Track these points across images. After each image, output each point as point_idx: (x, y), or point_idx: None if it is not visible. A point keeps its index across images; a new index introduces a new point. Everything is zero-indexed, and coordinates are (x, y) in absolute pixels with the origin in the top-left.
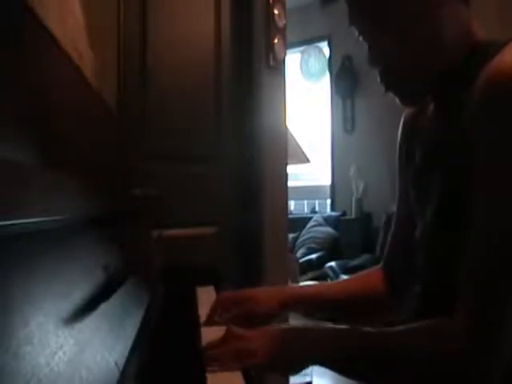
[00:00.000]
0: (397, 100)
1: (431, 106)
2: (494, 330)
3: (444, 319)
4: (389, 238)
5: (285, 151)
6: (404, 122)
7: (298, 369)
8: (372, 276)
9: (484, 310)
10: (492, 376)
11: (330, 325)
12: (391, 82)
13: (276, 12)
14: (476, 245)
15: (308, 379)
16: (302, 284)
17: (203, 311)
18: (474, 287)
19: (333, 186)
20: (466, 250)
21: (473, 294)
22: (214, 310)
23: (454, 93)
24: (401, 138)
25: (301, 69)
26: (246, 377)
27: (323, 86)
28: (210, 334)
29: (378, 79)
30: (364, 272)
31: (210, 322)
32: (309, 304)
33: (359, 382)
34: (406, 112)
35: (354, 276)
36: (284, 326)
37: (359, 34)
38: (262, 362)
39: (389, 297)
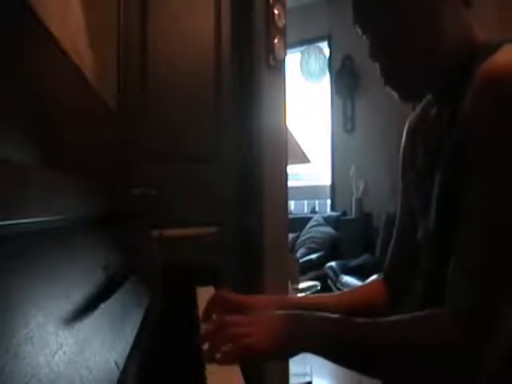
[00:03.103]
0: (395, 95)
1: (434, 110)
2: (487, 319)
3: (438, 310)
4: (390, 247)
5: (285, 151)
6: (409, 125)
7: (293, 354)
8: (372, 289)
9: (476, 300)
10: (484, 366)
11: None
12: (391, 76)
13: (276, 12)
14: (468, 238)
15: (308, 379)
16: (301, 284)
17: (202, 311)
18: (465, 279)
19: (333, 186)
20: (459, 244)
21: (464, 285)
22: (209, 308)
23: (454, 95)
24: (404, 142)
25: (301, 69)
26: (246, 376)
27: (323, 86)
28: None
29: (378, 71)
30: (364, 284)
31: (205, 318)
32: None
33: (355, 371)
34: (411, 115)
35: (353, 289)
36: (281, 312)
37: (362, 33)
38: (258, 342)
39: (391, 308)
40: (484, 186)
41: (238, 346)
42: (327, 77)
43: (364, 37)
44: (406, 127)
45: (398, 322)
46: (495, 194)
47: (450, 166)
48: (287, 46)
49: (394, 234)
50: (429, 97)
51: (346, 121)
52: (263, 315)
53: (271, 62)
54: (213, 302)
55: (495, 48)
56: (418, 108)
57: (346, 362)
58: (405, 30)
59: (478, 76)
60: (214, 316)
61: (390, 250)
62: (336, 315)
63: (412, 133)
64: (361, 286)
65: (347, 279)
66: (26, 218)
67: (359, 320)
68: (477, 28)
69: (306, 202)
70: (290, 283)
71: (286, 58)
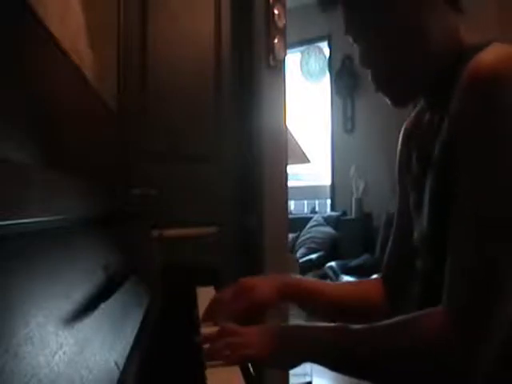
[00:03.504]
0: (387, 100)
1: (427, 116)
2: (481, 318)
3: (432, 310)
4: (388, 247)
5: (285, 151)
6: (404, 131)
7: (293, 365)
8: (372, 284)
9: (469, 299)
10: (479, 365)
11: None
12: (380, 82)
13: (276, 12)
14: (458, 238)
15: (308, 379)
16: None
17: (203, 311)
18: (457, 278)
19: (333, 186)
20: (450, 243)
21: (457, 284)
22: (210, 308)
23: (444, 98)
24: (400, 146)
25: (301, 69)
26: (246, 376)
27: (323, 86)
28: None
29: (369, 77)
30: (364, 280)
31: (207, 318)
32: (304, 296)
33: (353, 377)
34: (407, 121)
35: (355, 281)
36: (280, 324)
37: (354, 41)
38: (257, 354)
39: (388, 307)
40: (472, 184)
41: (236, 356)
42: (327, 77)
43: (355, 45)
44: (401, 132)
45: (392, 325)
46: (483, 191)
47: (439, 167)
48: (287, 45)
49: (392, 235)
50: (422, 102)
51: (346, 121)
52: (262, 326)
53: (271, 62)
54: (214, 304)
55: (482, 48)
56: (413, 114)
57: (345, 369)
58: (390, 40)
59: (465, 74)
60: (217, 318)
61: (387, 251)
62: (333, 324)
63: (407, 138)
64: (360, 281)
65: (347, 279)
66: (25, 218)
67: (355, 326)
68: (464, 31)
69: (305, 202)
70: None
71: (286, 57)
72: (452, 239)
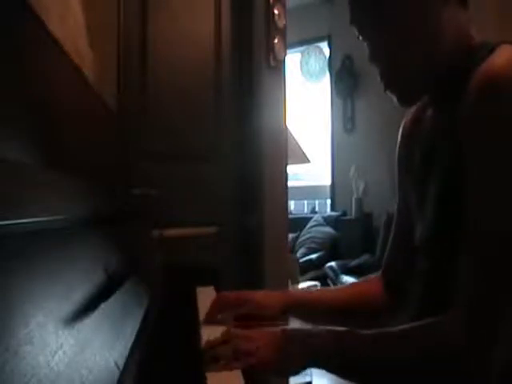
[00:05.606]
0: (394, 99)
1: (429, 112)
2: (493, 324)
3: (441, 317)
4: (388, 244)
5: (285, 151)
6: (403, 128)
7: (297, 370)
8: (371, 284)
9: (482, 304)
10: (491, 369)
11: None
12: (391, 80)
13: (276, 12)
14: (473, 244)
15: (308, 379)
16: (301, 285)
17: (203, 311)
18: (473, 283)
19: (333, 186)
20: (465, 249)
21: (472, 289)
22: (213, 308)
23: (451, 95)
24: (400, 143)
25: (301, 69)
26: (246, 377)
27: (323, 86)
28: (209, 334)
29: (379, 78)
30: (363, 279)
31: (210, 319)
32: (307, 308)
33: (359, 383)
34: (406, 118)
35: (353, 283)
36: (284, 328)
37: (359, 33)
38: (261, 361)
39: (387, 305)
40: (481, 188)
41: (238, 364)
42: (327, 77)
43: (360, 38)
44: (400, 130)
45: (404, 331)
46: (492, 196)
47: (447, 168)
48: (287, 45)
49: (392, 233)
50: (425, 99)
51: (346, 121)
52: (267, 331)
53: (271, 62)
54: (217, 303)
55: (491, 49)
56: (412, 110)
57: (352, 375)
58: (401, 38)
59: (478, 77)
60: (219, 316)
61: (387, 248)
62: (340, 328)
63: (407, 136)
64: (359, 282)
65: (347, 279)
66: (25, 218)
67: (362, 332)
68: (474, 29)
69: (305, 202)
70: (289, 283)
71: (285, 57)
72: (467, 241)
